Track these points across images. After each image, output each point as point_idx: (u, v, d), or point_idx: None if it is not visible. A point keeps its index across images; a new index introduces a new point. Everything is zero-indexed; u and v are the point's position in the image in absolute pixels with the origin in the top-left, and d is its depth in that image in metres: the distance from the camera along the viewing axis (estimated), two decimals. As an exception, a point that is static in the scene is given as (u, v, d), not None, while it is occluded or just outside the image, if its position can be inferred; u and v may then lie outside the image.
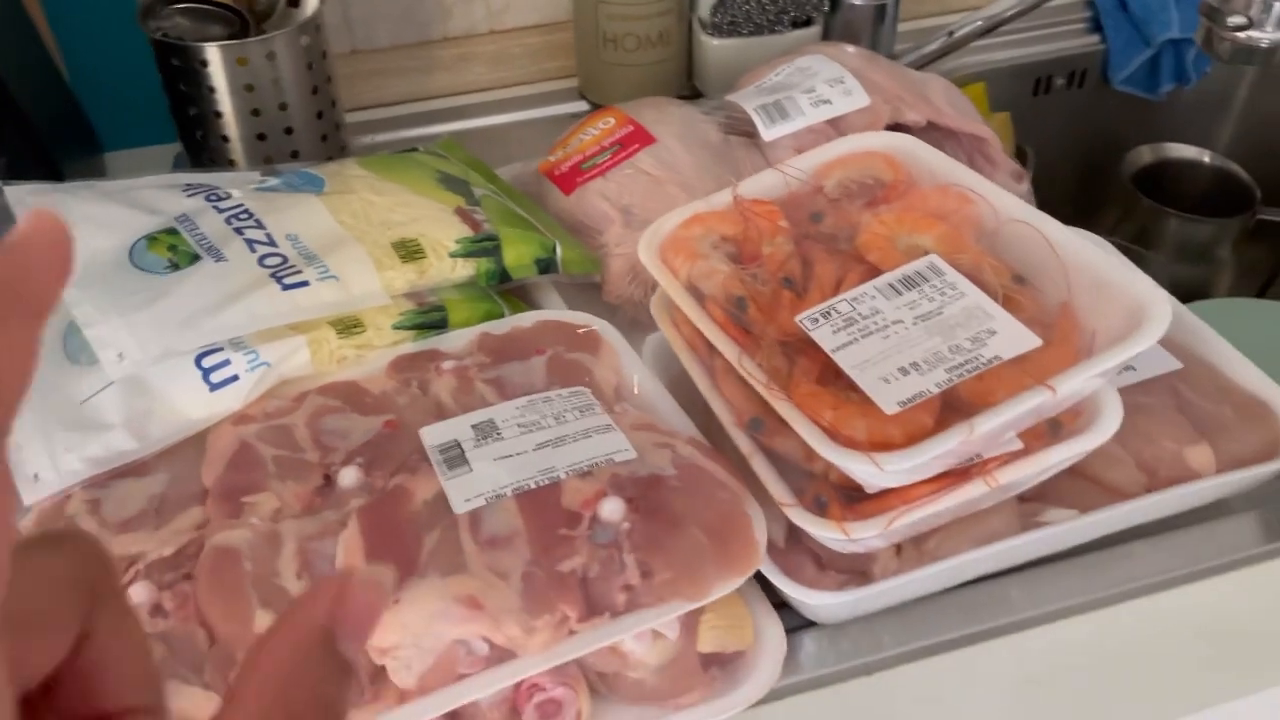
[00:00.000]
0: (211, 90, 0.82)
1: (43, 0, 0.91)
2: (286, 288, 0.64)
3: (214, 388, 0.61)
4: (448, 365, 0.65)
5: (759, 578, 0.56)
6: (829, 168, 0.67)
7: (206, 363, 0.61)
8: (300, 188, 0.73)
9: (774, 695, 0.56)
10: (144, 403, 0.60)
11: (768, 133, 0.81)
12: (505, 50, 1.05)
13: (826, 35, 1.00)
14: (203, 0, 0.84)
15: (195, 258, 0.65)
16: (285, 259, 0.66)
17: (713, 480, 0.56)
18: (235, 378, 0.61)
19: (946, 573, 0.57)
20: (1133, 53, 1.11)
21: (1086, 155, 1.21)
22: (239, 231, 0.67)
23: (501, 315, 0.71)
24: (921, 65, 1.00)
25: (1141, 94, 1.14)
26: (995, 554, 0.57)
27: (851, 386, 0.52)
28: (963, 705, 0.57)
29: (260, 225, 0.68)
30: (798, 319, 0.56)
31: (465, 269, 0.71)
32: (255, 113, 0.84)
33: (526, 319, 0.70)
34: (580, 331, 0.68)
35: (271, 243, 0.67)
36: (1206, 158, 1.13)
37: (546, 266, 0.74)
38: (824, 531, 0.52)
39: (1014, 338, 0.52)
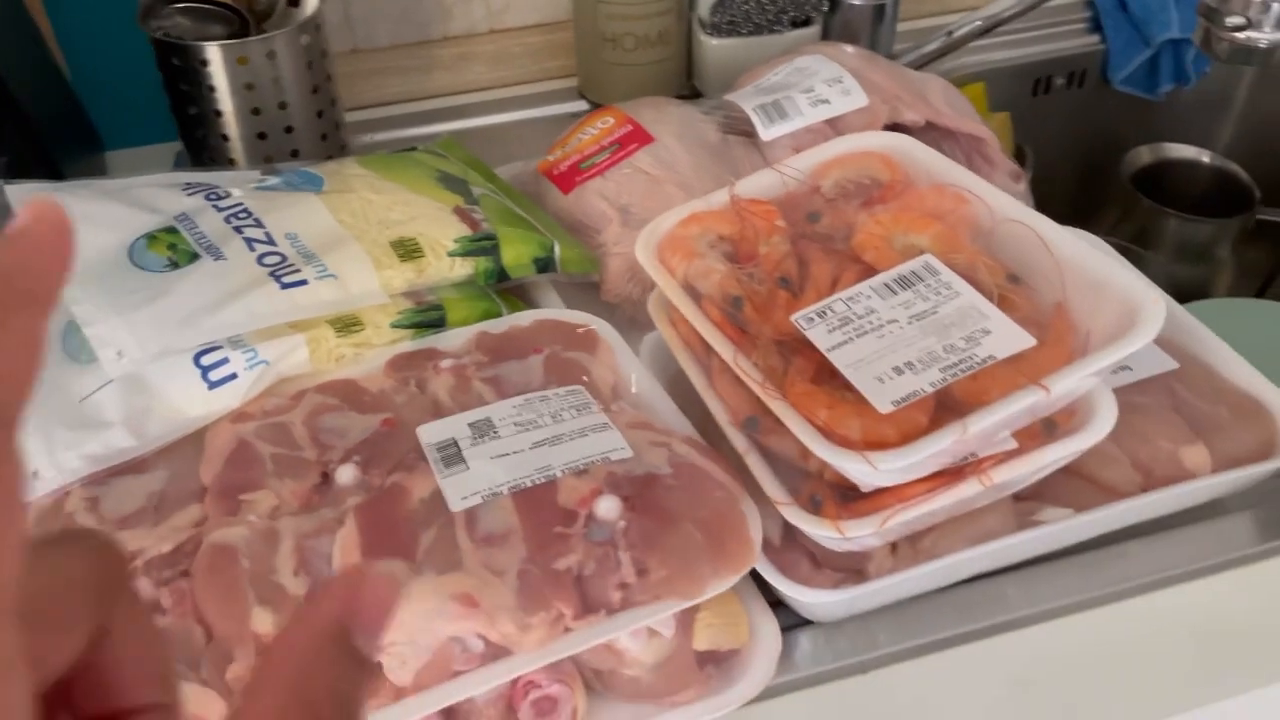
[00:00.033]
0: (212, 89, 0.82)
1: (44, 0, 0.92)
2: (285, 286, 0.65)
3: (212, 386, 0.61)
4: (446, 364, 0.65)
5: (755, 576, 0.56)
6: (826, 167, 0.67)
7: (205, 361, 0.62)
8: (300, 187, 0.73)
9: (769, 693, 0.56)
10: (143, 400, 0.61)
11: (766, 132, 0.81)
12: (505, 50, 1.05)
13: (826, 35, 1.00)
14: (203, 0, 0.84)
15: (194, 256, 0.65)
16: (284, 258, 0.66)
17: (709, 479, 0.56)
18: (234, 376, 0.62)
19: (942, 571, 0.57)
20: (1132, 53, 1.11)
21: (1086, 155, 1.21)
22: (238, 230, 0.67)
23: (500, 314, 0.72)
24: (921, 65, 1.00)
25: (1141, 94, 1.14)
26: (991, 553, 0.57)
27: (846, 386, 0.53)
28: (958, 704, 0.57)
29: (259, 224, 0.68)
30: (793, 318, 0.56)
31: (463, 268, 0.71)
32: (255, 112, 0.84)
33: (524, 318, 0.70)
34: (578, 331, 0.69)
35: (270, 241, 0.67)
36: (1206, 158, 1.13)
37: (545, 266, 0.74)
38: (819, 530, 0.52)
39: (1008, 337, 0.52)
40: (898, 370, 0.52)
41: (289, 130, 0.85)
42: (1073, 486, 0.60)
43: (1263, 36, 0.83)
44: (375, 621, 0.23)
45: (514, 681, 0.52)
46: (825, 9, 0.99)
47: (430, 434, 0.58)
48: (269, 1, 0.86)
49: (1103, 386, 0.55)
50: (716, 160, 0.81)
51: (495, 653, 0.51)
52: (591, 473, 0.55)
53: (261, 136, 0.85)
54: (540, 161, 0.85)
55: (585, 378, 0.64)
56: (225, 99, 0.83)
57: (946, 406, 0.52)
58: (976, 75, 1.08)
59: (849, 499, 0.54)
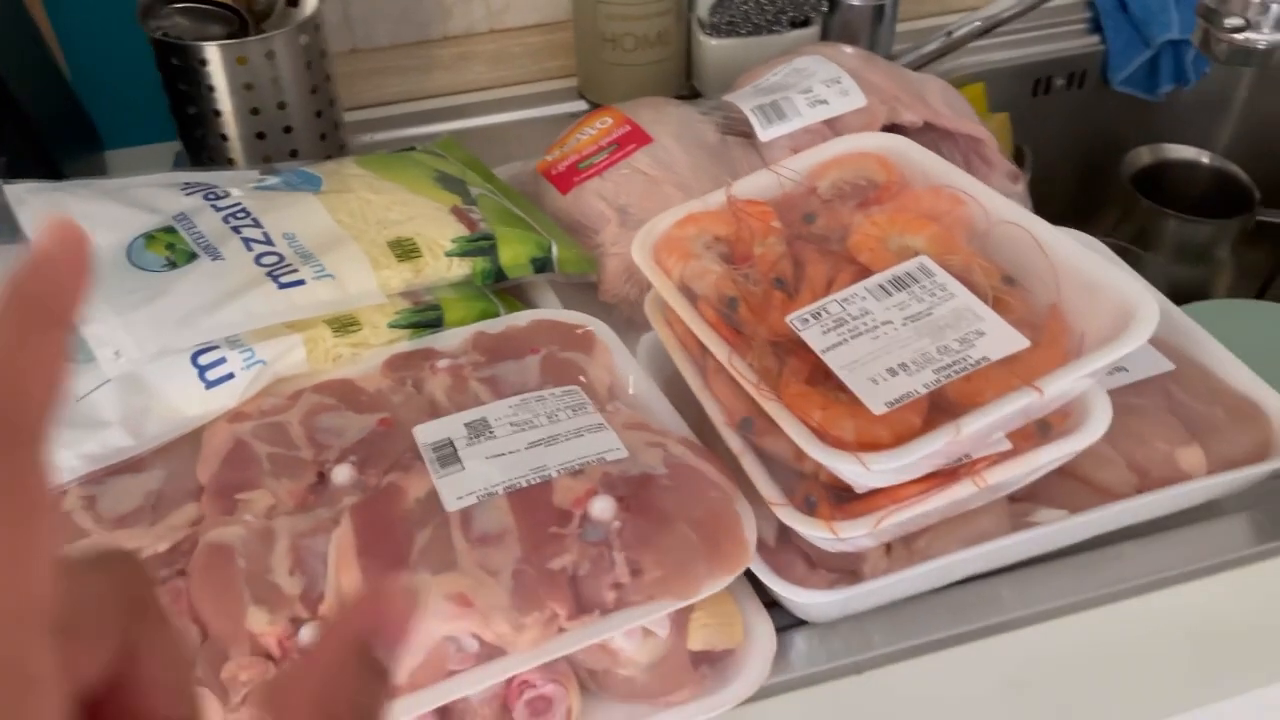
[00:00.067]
0: (211, 89, 0.83)
1: (44, 0, 0.92)
2: (283, 286, 0.65)
3: (210, 385, 0.61)
4: (442, 364, 0.65)
5: (750, 577, 0.57)
6: (823, 168, 0.67)
7: (202, 360, 0.62)
8: (298, 186, 0.73)
9: (764, 693, 0.56)
10: (140, 400, 0.61)
11: (764, 133, 0.81)
12: (505, 49, 1.06)
13: (825, 35, 1.00)
14: (202, 0, 0.84)
15: (192, 256, 0.66)
16: (282, 258, 0.67)
17: (703, 479, 0.56)
18: (231, 375, 0.62)
19: (936, 572, 0.57)
20: (1132, 53, 1.11)
21: (1086, 156, 1.21)
22: (236, 230, 0.68)
23: (497, 314, 0.72)
24: (920, 65, 1.00)
25: (1141, 95, 1.14)
26: (985, 554, 0.57)
27: (841, 387, 0.53)
28: (953, 704, 0.57)
29: (257, 224, 0.68)
30: (788, 319, 0.56)
31: (461, 268, 0.71)
32: (254, 111, 0.84)
33: (521, 318, 0.71)
34: (575, 331, 0.69)
35: (268, 241, 0.67)
36: (1205, 159, 1.13)
37: (542, 266, 0.74)
38: (813, 531, 0.53)
39: (1002, 339, 0.52)
40: (891, 372, 0.52)
41: (288, 130, 0.86)
42: (1068, 488, 0.60)
43: (1261, 38, 0.83)
44: (396, 635, 0.24)
45: (509, 681, 0.53)
46: (824, 9, 0.99)
47: (426, 434, 0.59)
48: (268, 1, 0.86)
49: (1097, 388, 0.55)
50: (715, 161, 0.81)
51: (490, 652, 0.51)
52: (586, 473, 0.55)
53: (260, 136, 0.85)
54: (539, 162, 0.85)
55: (582, 378, 0.64)
56: (224, 99, 0.83)
57: (940, 408, 0.52)
58: (976, 76, 1.08)
59: (843, 500, 0.54)
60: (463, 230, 0.72)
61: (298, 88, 0.85)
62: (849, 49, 0.88)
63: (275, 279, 0.65)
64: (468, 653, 0.50)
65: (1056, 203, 1.18)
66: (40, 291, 0.20)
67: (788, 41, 0.99)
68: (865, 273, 0.58)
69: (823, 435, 0.51)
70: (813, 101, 0.82)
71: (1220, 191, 1.12)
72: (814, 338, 0.55)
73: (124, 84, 0.92)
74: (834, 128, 0.81)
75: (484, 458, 0.57)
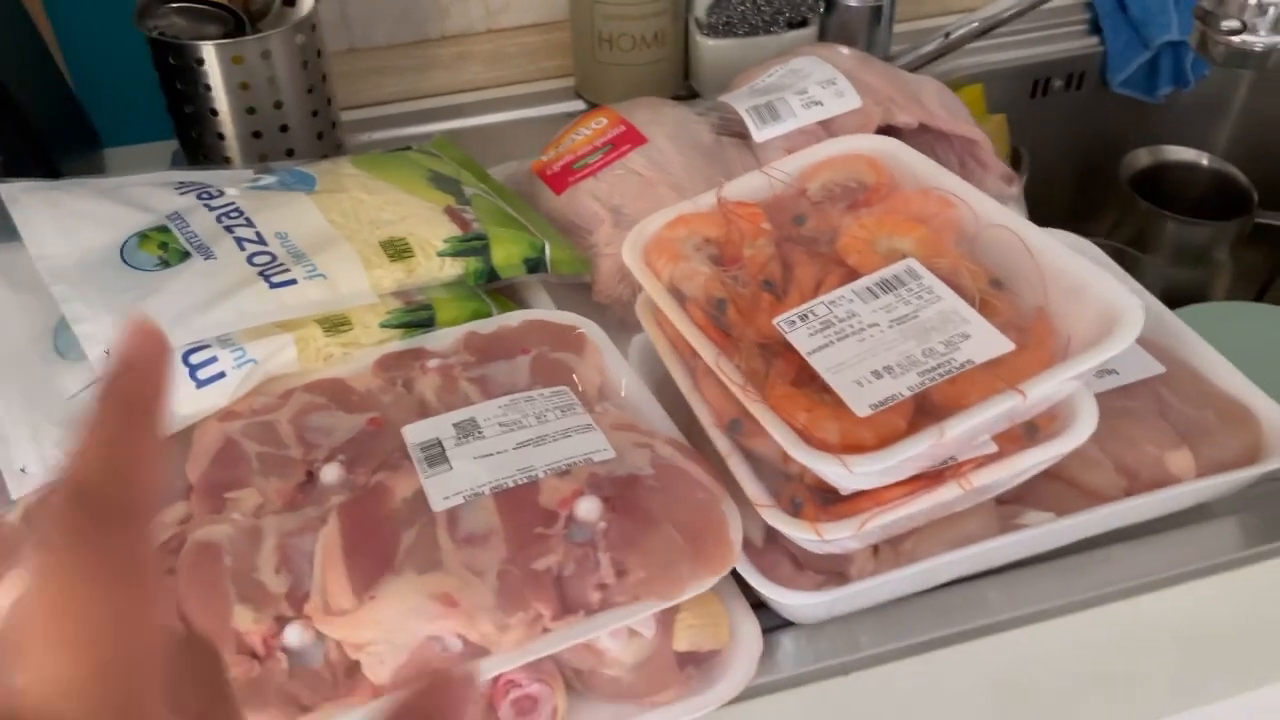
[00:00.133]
0: (207, 88, 0.83)
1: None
2: (274, 286, 0.65)
3: (200, 384, 0.62)
4: (433, 364, 0.65)
5: (737, 578, 0.57)
6: (813, 170, 0.67)
7: (193, 359, 0.62)
8: (292, 186, 0.73)
9: (751, 694, 0.56)
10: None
11: (759, 134, 0.81)
12: (502, 49, 1.06)
13: (822, 36, 1.00)
14: (199, 0, 0.84)
15: (185, 255, 0.66)
16: (274, 257, 0.67)
17: (690, 480, 0.57)
18: (222, 374, 0.62)
19: (923, 574, 0.57)
20: (1131, 55, 1.11)
21: (1084, 157, 1.21)
22: (229, 230, 0.68)
23: (489, 314, 0.72)
24: (918, 67, 1.00)
25: (1140, 96, 1.14)
26: (972, 556, 0.57)
27: (827, 389, 0.53)
28: (939, 706, 0.58)
29: (250, 224, 0.69)
30: (775, 321, 0.56)
31: (453, 268, 0.71)
32: (250, 111, 0.84)
33: (513, 318, 0.71)
34: (567, 332, 0.69)
35: (261, 241, 0.68)
36: (1204, 160, 1.13)
37: (535, 266, 0.75)
38: (797, 532, 0.53)
39: (988, 342, 0.52)
40: (877, 374, 0.52)
41: (284, 129, 0.86)
42: (1056, 490, 0.60)
43: (1258, 40, 0.83)
44: (450, 716, 0.26)
45: (495, 680, 0.53)
46: (821, 10, 0.99)
47: (415, 434, 0.59)
48: (264, 1, 0.87)
49: (1085, 391, 0.55)
50: (709, 161, 0.81)
51: (474, 652, 0.51)
52: (573, 473, 0.56)
53: (257, 135, 0.85)
54: (533, 162, 0.85)
55: (571, 378, 0.64)
56: (220, 98, 0.83)
57: (926, 411, 0.52)
58: (975, 77, 1.08)
59: (829, 502, 0.54)
60: (456, 230, 0.72)
61: (294, 87, 0.85)
62: (845, 50, 0.88)
63: (267, 278, 0.65)
64: (452, 652, 0.51)
65: (1055, 204, 1.18)
66: (129, 387, 0.23)
67: (785, 42, 0.99)
68: (853, 275, 0.58)
69: (807, 437, 0.51)
70: (808, 103, 0.82)
71: (1219, 193, 1.11)
72: (801, 340, 0.55)
73: (122, 83, 0.92)
74: (829, 129, 0.81)
75: (472, 458, 0.57)
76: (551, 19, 1.07)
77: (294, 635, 0.50)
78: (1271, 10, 0.83)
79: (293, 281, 0.66)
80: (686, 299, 0.61)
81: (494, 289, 0.76)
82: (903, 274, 0.57)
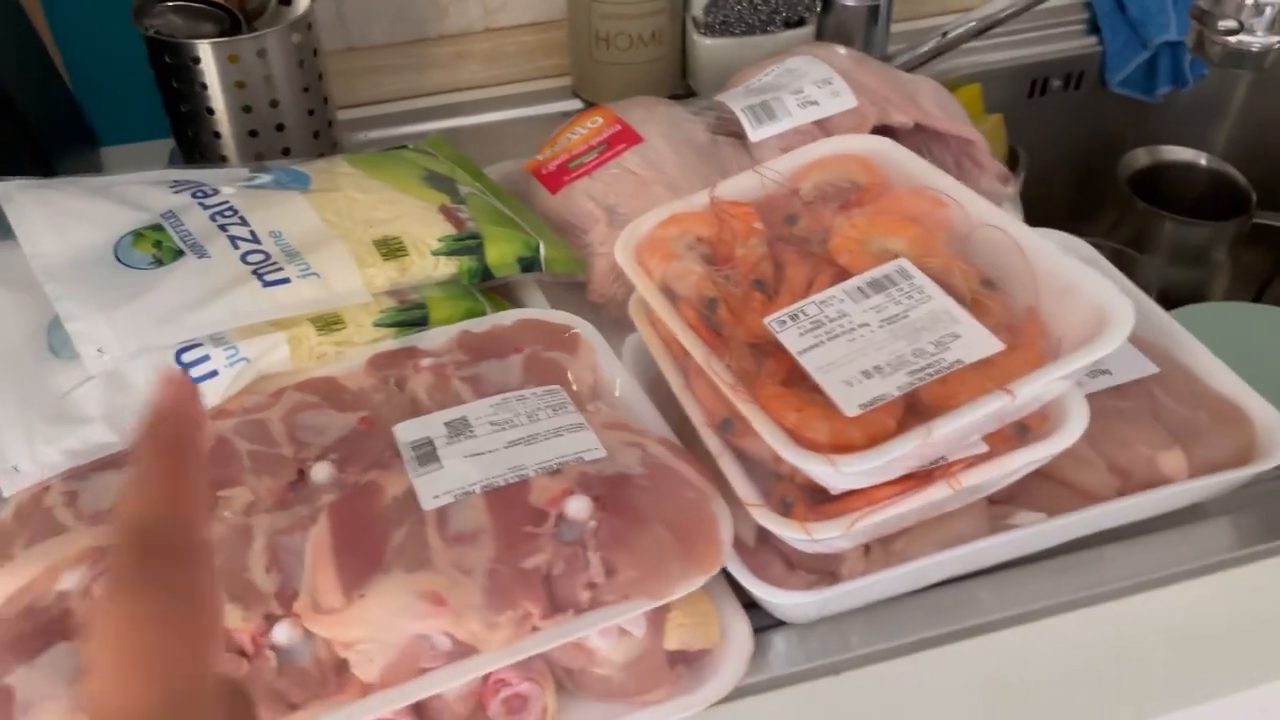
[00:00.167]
0: (203, 87, 0.83)
1: (41, -3, 0.93)
2: (267, 284, 0.65)
3: (193, 383, 0.62)
4: (425, 363, 0.65)
5: (728, 577, 0.57)
6: (806, 170, 0.67)
7: (186, 358, 0.62)
8: (287, 185, 0.73)
9: (742, 693, 0.56)
10: (124, 397, 0.61)
11: (755, 133, 0.81)
12: (500, 48, 1.06)
13: (819, 36, 1.00)
14: (195, -2, 0.85)
15: (179, 254, 0.66)
16: (267, 256, 0.67)
17: (680, 480, 0.57)
18: (214, 373, 0.62)
19: (914, 574, 0.57)
20: (1130, 55, 1.11)
21: (1083, 157, 1.21)
22: (223, 228, 0.68)
23: (483, 313, 0.72)
24: (915, 66, 1.00)
25: (1138, 96, 1.14)
26: (963, 556, 0.57)
27: (817, 389, 0.53)
28: (930, 706, 0.58)
29: (244, 222, 0.69)
30: (766, 321, 0.56)
31: (447, 267, 0.71)
32: (247, 109, 0.84)
33: (507, 317, 0.71)
34: (560, 331, 0.69)
35: (255, 240, 0.68)
36: (1203, 160, 1.13)
37: (529, 265, 0.75)
38: (787, 531, 0.53)
39: (978, 342, 0.52)
40: (866, 374, 0.52)
41: (280, 128, 0.86)
42: (1048, 490, 0.60)
43: (1254, 40, 0.83)
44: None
45: (484, 679, 0.53)
46: (818, 10, 0.99)
47: (406, 433, 0.59)
48: (260, 0, 0.87)
49: (1076, 391, 0.55)
50: (704, 161, 0.81)
51: (463, 651, 0.51)
52: (564, 472, 0.56)
53: (253, 134, 0.85)
54: (529, 161, 0.85)
55: (564, 378, 0.64)
56: (217, 96, 0.83)
57: (915, 410, 0.52)
58: (972, 77, 1.07)
59: (819, 501, 0.54)
60: (450, 229, 0.72)
61: (290, 86, 0.85)
62: (841, 49, 0.88)
63: (260, 277, 0.65)
64: (440, 651, 0.51)
65: (1053, 204, 1.18)
66: (170, 433, 0.25)
67: (782, 41, 0.99)
68: (845, 275, 0.58)
69: (797, 437, 0.51)
70: (803, 102, 0.82)
71: (1217, 193, 1.11)
72: (791, 339, 0.55)
73: (119, 81, 0.92)
74: (824, 128, 0.81)
75: (463, 457, 0.57)
76: (549, 18, 1.06)
77: (283, 633, 0.50)
78: (1268, 10, 0.82)
79: (286, 280, 0.66)
80: (678, 298, 0.61)
81: (488, 288, 0.76)
82: (894, 274, 0.57)
